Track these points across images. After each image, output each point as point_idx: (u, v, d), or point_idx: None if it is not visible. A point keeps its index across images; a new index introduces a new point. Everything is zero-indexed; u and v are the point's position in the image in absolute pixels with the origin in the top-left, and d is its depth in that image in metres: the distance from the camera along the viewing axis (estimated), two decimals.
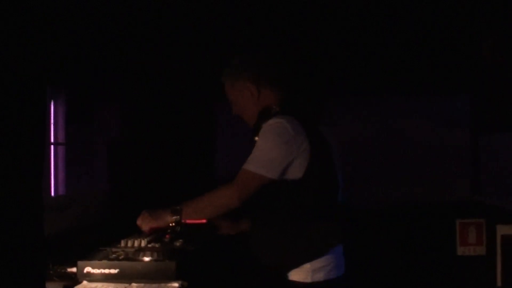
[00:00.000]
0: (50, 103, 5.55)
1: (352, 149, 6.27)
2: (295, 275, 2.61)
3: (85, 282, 2.48)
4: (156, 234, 2.83)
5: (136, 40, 5.00)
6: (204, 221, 3.05)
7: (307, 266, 2.59)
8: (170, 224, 2.73)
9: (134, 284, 2.44)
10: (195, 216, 2.73)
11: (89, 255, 2.64)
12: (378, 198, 6.44)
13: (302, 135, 2.59)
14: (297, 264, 2.60)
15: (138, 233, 2.87)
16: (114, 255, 2.62)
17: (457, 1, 4.69)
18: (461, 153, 6.71)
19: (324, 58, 5.75)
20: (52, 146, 5.59)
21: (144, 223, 2.78)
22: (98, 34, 4.78)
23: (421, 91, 6.65)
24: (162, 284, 2.43)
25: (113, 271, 2.49)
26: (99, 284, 2.45)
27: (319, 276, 2.60)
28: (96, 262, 2.52)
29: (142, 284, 2.44)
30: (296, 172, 2.58)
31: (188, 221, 2.88)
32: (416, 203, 6.24)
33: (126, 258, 2.57)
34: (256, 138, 2.67)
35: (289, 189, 2.60)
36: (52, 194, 5.48)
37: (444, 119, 6.75)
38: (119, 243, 2.79)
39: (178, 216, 2.69)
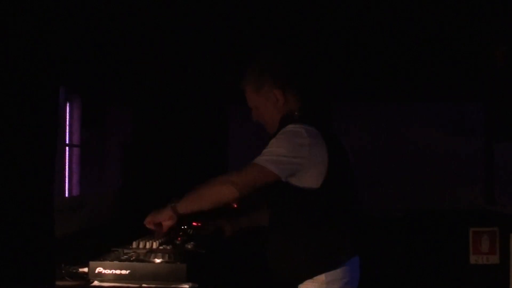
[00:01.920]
0: (66, 106, 5.59)
1: (365, 156, 6.25)
2: (309, 286, 2.55)
3: (96, 282, 2.49)
4: (168, 237, 2.84)
5: (149, 43, 5.02)
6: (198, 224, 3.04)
7: (321, 277, 2.52)
8: (169, 220, 2.63)
9: (144, 285, 2.46)
10: (195, 204, 2.59)
11: (101, 255, 2.66)
12: (391, 206, 6.41)
13: (320, 145, 2.54)
14: (311, 275, 2.54)
15: (150, 234, 2.88)
16: (125, 256, 2.64)
17: (470, 8, 4.67)
18: (475, 161, 6.68)
19: (334, 64, 5.73)
20: (67, 148, 5.63)
21: (147, 220, 2.66)
22: (112, 38, 4.81)
23: (435, 99, 6.63)
24: (173, 286, 2.45)
25: (124, 272, 2.51)
26: (110, 285, 2.47)
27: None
28: (108, 262, 2.55)
29: (152, 286, 2.46)
30: (313, 181, 2.53)
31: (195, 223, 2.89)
32: (430, 211, 6.21)
33: (137, 259, 2.59)
34: None
35: (306, 198, 2.54)
36: (66, 195, 5.52)
37: (458, 127, 6.72)
38: (131, 244, 2.81)
39: (173, 205, 2.57)
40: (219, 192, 2.52)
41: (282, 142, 2.54)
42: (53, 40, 1.72)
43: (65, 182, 5.52)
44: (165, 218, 2.61)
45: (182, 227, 3.16)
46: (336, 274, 2.54)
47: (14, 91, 1.54)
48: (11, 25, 1.59)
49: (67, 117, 5.58)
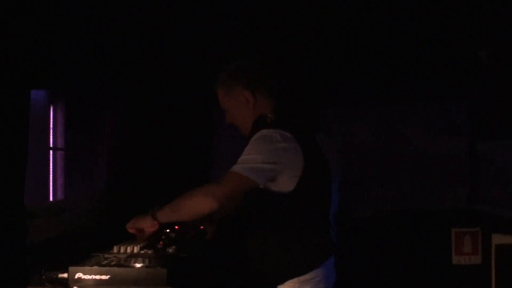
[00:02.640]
0: (50, 109, 5.57)
1: (350, 156, 6.26)
2: (283, 286, 2.60)
3: None
4: (150, 241, 2.83)
5: (135, 46, 5.01)
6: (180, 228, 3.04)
7: (293, 280, 2.58)
8: (150, 226, 2.66)
9: None
10: (174, 216, 2.63)
11: (81, 260, 2.65)
12: (374, 205, 6.43)
13: (294, 148, 2.55)
14: (286, 278, 2.58)
15: (131, 238, 2.87)
16: (106, 261, 2.63)
17: (455, 9, 4.69)
18: (460, 161, 6.69)
19: (323, 65, 5.75)
20: (51, 151, 5.61)
21: (128, 225, 2.72)
22: (97, 40, 4.80)
23: (420, 99, 6.64)
24: None
25: (104, 277, 2.50)
26: None
27: None
28: (88, 268, 2.53)
29: None
30: (286, 184, 2.55)
31: (177, 227, 2.89)
32: (413, 210, 6.23)
33: (118, 264, 2.58)
34: None
35: (279, 201, 2.56)
36: (51, 199, 5.49)
37: (443, 127, 6.73)
38: (112, 249, 2.80)
39: (153, 212, 2.61)
40: (199, 205, 2.53)
41: (257, 148, 2.55)
42: (23, 45, 1.71)
43: (49, 186, 5.50)
44: (147, 225, 2.65)
45: (165, 230, 3.15)
46: (309, 274, 2.57)
47: None
48: None
49: (51, 120, 5.56)
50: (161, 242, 2.93)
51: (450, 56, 5.65)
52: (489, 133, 6.27)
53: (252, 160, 2.53)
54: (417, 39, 5.38)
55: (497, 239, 4.14)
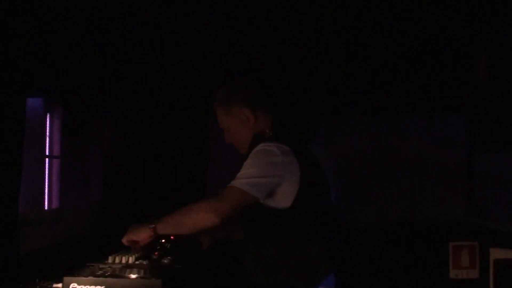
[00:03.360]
0: (46, 117, 5.56)
1: (346, 167, 6.23)
2: None
3: None
4: (145, 251, 2.81)
5: (131, 55, 5.01)
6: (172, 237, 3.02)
7: None
8: (149, 239, 2.65)
9: None
10: (174, 230, 2.63)
11: (76, 270, 2.62)
12: (370, 217, 6.42)
13: (292, 162, 2.53)
14: None
15: (127, 249, 2.84)
16: (100, 271, 2.60)
17: (452, 21, 4.71)
18: (456, 173, 6.70)
19: (319, 76, 5.75)
20: (47, 159, 5.59)
21: (124, 238, 2.69)
22: (94, 48, 4.80)
23: (417, 111, 6.66)
24: None
25: (99, 287, 2.47)
26: None
27: None
28: (82, 278, 2.50)
29: None
30: (285, 199, 2.53)
31: (172, 237, 2.86)
32: (410, 223, 6.22)
33: (113, 275, 2.55)
34: None
35: (279, 216, 2.54)
36: (46, 207, 5.48)
37: (440, 139, 6.73)
38: (107, 259, 2.78)
39: (154, 225, 2.59)
40: (200, 220, 2.51)
41: (256, 162, 2.54)
42: (20, 52, 1.70)
43: (44, 194, 5.49)
44: (144, 238, 2.64)
45: (160, 241, 3.13)
46: None
47: None
48: None
49: (47, 128, 5.56)
50: (156, 253, 2.90)
51: (447, 68, 5.66)
52: (486, 145, 6.27)
53: (251, 174, 2.51)
54: (415, 51, 5.39)
55: (495, 253, 4.10)
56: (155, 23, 4.55)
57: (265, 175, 2.50)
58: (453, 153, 6.70)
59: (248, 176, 2.51)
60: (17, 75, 1.73)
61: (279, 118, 2.77)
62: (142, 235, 2.63)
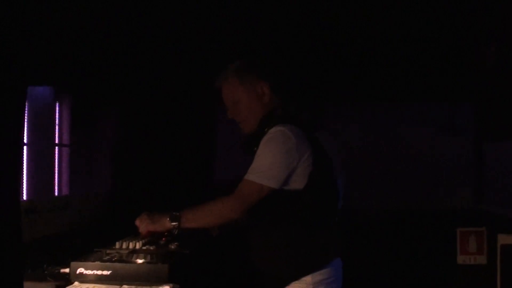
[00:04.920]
0: (55, 106, 5.60)
1: (353, 156, 6.25)
2: (296, 287, 2.53)
3: (76, 283, 2.48)
4: (152, 237, 2.83)
5: (139, 45, 5.02)
6: None
7: (307, 279, 2.51)
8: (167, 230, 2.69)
9: (125, 286, 2.45)
10: (194, 224, 2.64)
11: (83, 256, 2.65)
12: (379, 205, 6.42)
13: (304, 144, 2.51)
14: (297, 276, 2.53)
15: (133, 234, 2.87)
16: (107, 257, 2.63)
17: (460, 9, 4.68)
18: (464, 161, 6.69)
19: (326, 64, 5.74)
20: (56, 148, 5.63)
21: (142, 225, 2.71)
22: (103, 39, 4.81)
23: (425, 99, 6.64)
24: (154, 287, 2.43)
25: (105, 272, 2.50)
26: (90, 285, 2.46)
27: None
28: (89, 263, 2.53)
29: (133, 286, 2.44)
30: (298, 182, 2.51)
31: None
32: (418, 211, 6.21)
33: (119, 260, 2.58)
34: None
35: (290, 199, 2.52)
36: (56, 194, 5.52)
37: (447, 127, 6.72)
38: (114, 244, 2.80)
39: (177, 223, 2.63)
40: (221, 217, 2.59)
41: (271, 151, 2.51)
42: (18, 40, 1.70)
43: (54, 182, 5.53)
44: (164, 230, 2.69)
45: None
46: (321, 274, 2.53)
47: None
48: None
49: (57, 117, 5.59)
50: (163, 238, 2.92)
51: (455, 55, 5.64)
52: (494, 133, 6.25)
53: (267, 165, 2.49)
54: (422, 39, 5.37)
55: (503, 239, 4.12)
56: (163, 12, 4.56)
57: (281, 164, 2.49)
58: (461, 141, 6.68)
59: (263, 168, 2.50)
60: (21, 63, 1.74)
61: (288, 100, 2.72)
62: (163, 228, 2.68)
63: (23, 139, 1.71)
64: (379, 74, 5.95)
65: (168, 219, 2.64)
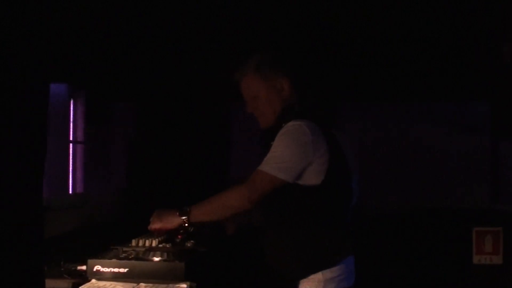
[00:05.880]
0: (70, 102, 5.61)
1: (369, 154, 6.23)
2: (306, 285, 2.52)
3: (93, 280, 2.49)
4: (168, 235, 2.82)
5: (153, 40, 5.02)
6: None
7: (318, 276, 2.50)
8: (178, 226, 2.68)
9: (142, 284, 2.45)
10: (205, 217, 2.63)
11: (100, 253, 2.65)
12: (394, 204, 6.39)
13: (321, 140, 2.49)
14: (308, 273, 2.52)
15: (150, 232, 2.86)
16: (124, 254, 2.63)
17: (476, 6, 4.64)
18: (481, 159, 6.64)
19: (341, 62, 5.72)
20: (71, 145, 5.64)
21: (152, 223, 2.72)
22: (117, 35, 4.82)
23: (441, 97, 6.59)
24: (171, 285, 2.43)
25: (122, 270, 2.50)
26: (107, 283, 2.46)
27: (330, 287, 2.51)
28: (106, 260, 2.53)
29: (150, 284, 2.45)
30: (313, 178, 2.49)
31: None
32: (433, 210, 6.17)
33: (136, 258, 2.58)
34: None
35: (305, 195, 2.50)
36: (70, 192, 5.53)
37: (464, 125, 6.67)
38: (131, 242, 2.80)
39: (186, 217, 2.63)
40: (230, 207, 2.55)
41: (285, 144, 2.50)
42: (42, 37, 1.70)
43: (69, 179, 5.54)
44: (175, 226, 2.66)
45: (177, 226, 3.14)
46: (332, 272, 2.52)
47: (1, 88, 1.52)
48: (1, 20, 1.58)
49: (71, 113, 5.60)
50: (179, 236, 2.92)
51: (471, 53, 5.60)
52: (510, 132, 6.20)
53: (281, 157, 2.48)
54: (438, 37, 5.33)
55: None
56: (178, 6, 4.55)
57: (296, 157, 2.47)
58: (477, 139, 6.64)
59: (277, 160, 2.49)
60: (41, 60, 1.74)
61: (305, 95, 2.69)
62: (174, 224, 2.65)
63: (46, 137, 1.71)
64: (395, 73, 5.92)
65: (177, 213, 2.63)
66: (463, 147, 6.60)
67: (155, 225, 2.71)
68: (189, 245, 2.82)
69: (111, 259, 2.55)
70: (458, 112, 6.71)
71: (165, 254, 2.60)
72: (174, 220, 2.65)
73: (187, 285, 2.43)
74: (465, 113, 6.71)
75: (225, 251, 3.16)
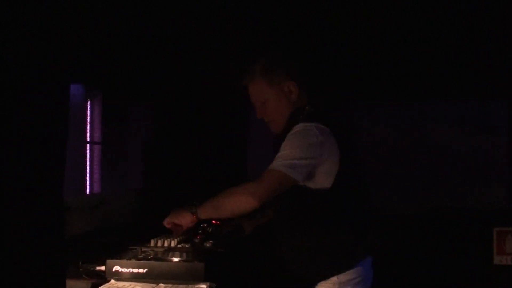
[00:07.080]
0: (87, 103, 5.62)
1: (388, 155, 6.20)
2: (322, 286, 2.51)
3: (112, 281, 2.48)
4: (187, 235, 2.81)
5: (170, 41, 5.02)
6: (217, 222, 3.01)
7: (333, 278, 2.49)
8: (192, 224, 2.64)
9: (161, 285, 2.44)
10: (213, 213, 2.59)
11: (119, 254, 2.64)
12: (414, 204, 6.35)
13: (330, 142, 2.47)
14: (324, 276, 2.50)
15: (168, 232, 2.85)
16: (143, 255, 2.62)
17: (494, 5, 4.59)
18: (499, 159, 6.59)
19: (358, 62, 5.68)
20: (88, 145, 5.66)
21: (165, 220, 2.67)
22: (133, 37, 4.81)
23: (459, 97, 6.55)
24: (190, 285, 2.41)
25: (141, 270, 2.49)
26: (126, 283, 2.45)
27: None
28: (125, 261, 2.52)
29: (170, 285, 2.43)
30: (324, 180, 2.48)
31: (214, 222, 2.85)
32: (454, 209, 6.13)
33: (155, 258, 2.56)
34: None
35: (318, 198, 2.49)
36: (88, 192, 5.55)
37: (482, 125, 6.63)
38: (149, 242, 2.79)
39: (195, 211, 2.58)
40: (240, 203, 2.48)
41: (295, 144, 2.48)
42: (62, 38, 1.69)
43: (86, 179, 5.55)
44: (186, 221, 2.61)
45: (202, 225, 3.13)
46: (349, 274, 2.50)
47: (23, 90, 1.52)
48: (21, 23, 1.57)
49: (88, 114, 5.62)
50: (198, 237, 2.91)
51: (489, 53, 5.54)
52: None
53: (290, 156, 2.45)
54: (456, 37, 5.28)
55: None
56: (194, 8, 4.54)
57: (305, 156, 2.45)
58: (495, 139, 6.59)
59: (287, 158, 2.46)
60: (60, 62, 1.73)
61: (315, 96, 2.69)
62: (185, 220, 2.61)
63: (67, 138, 1.70)
64: (413, 72, 5.88)
65: (187, 210, 2.60)
66: (481, 147, 6.55)
67: (168, 220, 2.66)
68: (208, 245, 2.81)
69: (130, 259, 2.54)
70: (477, 113, 6.67)
71: (184, 254, 2.58)
72: (184, 216, 2.61)
73: (207, 286, 2.42)
74: (483, 113, 6.66)
75: (243, 251, 3.15)
